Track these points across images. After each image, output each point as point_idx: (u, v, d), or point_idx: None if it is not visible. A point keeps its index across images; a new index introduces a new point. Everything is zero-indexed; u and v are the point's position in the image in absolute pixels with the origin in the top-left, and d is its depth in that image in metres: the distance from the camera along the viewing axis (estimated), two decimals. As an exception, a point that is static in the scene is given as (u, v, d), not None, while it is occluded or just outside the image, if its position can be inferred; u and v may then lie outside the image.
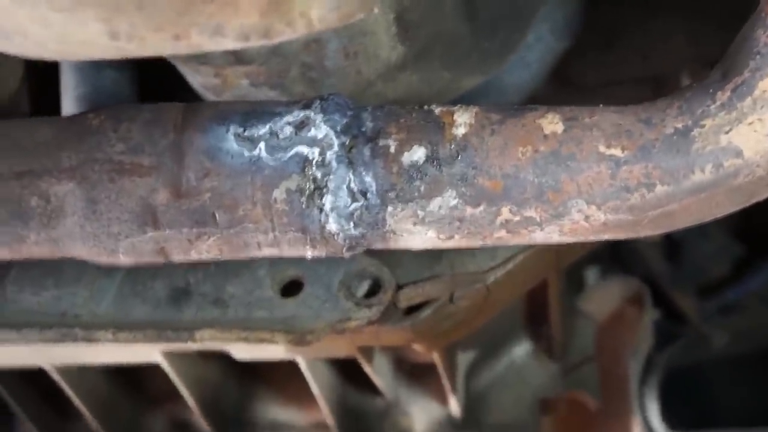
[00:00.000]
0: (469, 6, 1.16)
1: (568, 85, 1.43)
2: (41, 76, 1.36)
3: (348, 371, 1.56)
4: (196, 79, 1.18)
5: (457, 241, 1.02)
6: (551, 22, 1.45)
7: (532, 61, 1.41)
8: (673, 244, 1.88)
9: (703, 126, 0.95)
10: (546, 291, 1.47)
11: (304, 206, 0.97)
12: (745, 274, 1.91)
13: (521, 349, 1.59)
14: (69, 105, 1.33)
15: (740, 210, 2.03)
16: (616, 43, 1.41)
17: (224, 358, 1.51)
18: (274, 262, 1.27)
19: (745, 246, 1.94)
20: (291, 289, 1.27)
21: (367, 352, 1.42)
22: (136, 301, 1.29)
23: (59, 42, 0.89)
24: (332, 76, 1.14)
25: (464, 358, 1.53)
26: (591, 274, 1.70)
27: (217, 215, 0.99)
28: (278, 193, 0.97)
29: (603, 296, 1.65)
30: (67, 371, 1.54)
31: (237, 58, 1.10)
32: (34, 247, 1.03)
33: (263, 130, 0.99)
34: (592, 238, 1.01)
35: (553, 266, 1.39)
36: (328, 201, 0.97)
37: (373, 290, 1.25)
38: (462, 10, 1.16)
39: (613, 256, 1.80)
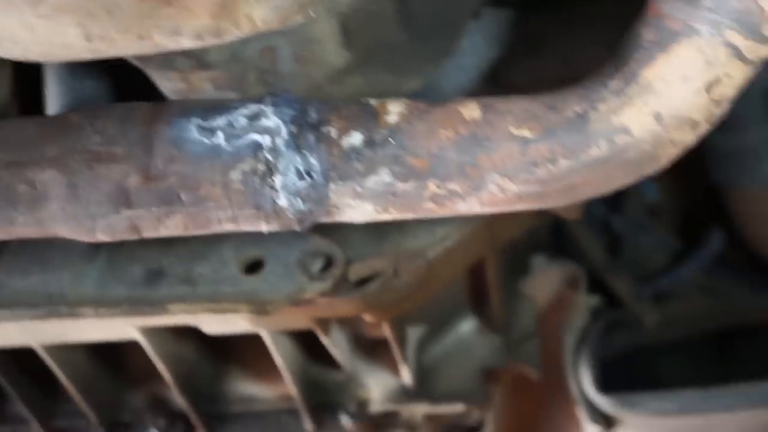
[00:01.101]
0: (405, 15, 1.19)
1: (499, 86, 1.45)
2: (28, 88, 1.38)
3: (310, 347, 1.58)
4: (166, 84, 1.20)
5: (392, 214, 1.07)
6: (485, 31, 1.45)
7: (467, 66, 1.43)
8: (614, 237, 1.93)
9: (597, 109, 1.01)
10: (485, 271, 1.50)
11: (257, 186, 1.02)
12: (682, 260, 1.96)
13: (467, 325, 1.62)
14: (53, 111, 1.36)
15: (679, 207, 2.10)
16: (541, 50, 1.45)
17: (197, 336, 1.52)
18: (238, 246, 1.31)
19: (682, 240, 1.99)
20: (253, 267, 1.30)
21: (324, 324, 1.44)
22: (114, 282, 1.31)
23: (42, 45, 0.93)
24: (285, 79, 1.17)
25: (414, 333, 1.56)
26: (536, 261, 1.74)
27: (182, 195, 1.03)
28: (235, 175, 1.01)
29: (544, 280, 1.70)
30: (54, 350, 1.55)
31: (200, 63, 1.13)
32: (22, 228, 1.07)
33: (221, 121, 1.03)
34: (508, 208, 1.07)
35: (488, 245, 1.42)
36: (278, 180, 1.02)
37: (326, 266, 1.27)
38: (399, 19, 1.19)
39: (557, 247, 1.85)
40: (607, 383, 1.90)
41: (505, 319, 1.66)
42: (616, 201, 1.95)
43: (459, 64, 1.41)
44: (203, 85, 1.17)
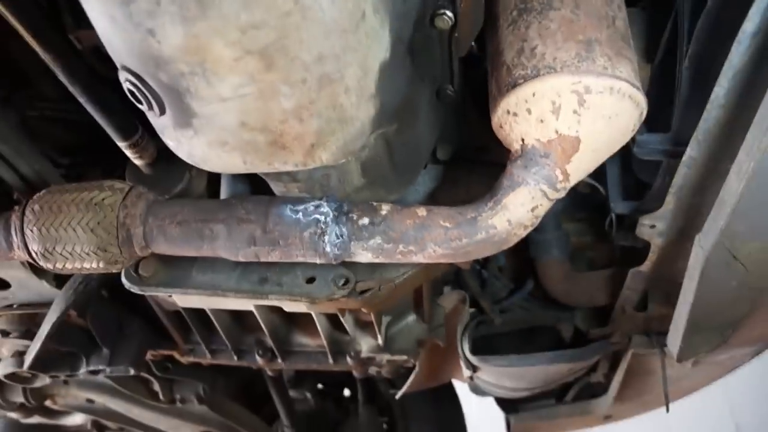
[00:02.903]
0: (393, 162, 1.15)
1: (435, 202, 1.37)
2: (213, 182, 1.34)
3: (335, 322, 1.53)
4: (276, 187, 1.16)
5: (380, 259, 1.03)
6: (429, 174, 1.39)
7: (420, 190, 1.37)
8: (483, 280, 1.87)
9: (481, 216, 0.97)
10: (422, 291, 1.47)
11: (316, 240, 0.99)
12: (514, 293, 1.90)
13: (411, 317, 1.57)
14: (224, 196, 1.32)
15: (514, 266, 1.98)
16: (455, 185, 1.39)
17: (282, 312, 1.46)
18: (304, 269, 1.25)
19: (514, 282, 1.93)
20: (310, 281, 1.25)
21: (342, 311, 1.41)
22: (244, 282, 1.26)
23: (223, 165, 0.93)
24: (333, 189, 1.13)
25: (385, 319, 1.51)
26: (446, 288, 1.71)
27: (280, 242, 1.00)
28: (306, 234, 0.99)
29: (449, 298, 1.64)
30: (214, 311, 1.50)
31: (293, 178, 1.10)
32: (205, 251, 1.04)
33: (301, 207, 1.00)
34: (436, 261, 1.02)
35: (424, 278, 1.38)
36: (326, 239, 0.99)
37: (345, 283, 1.23)
38: (390, 164, 1.14)
39: (456, 281, 1.79)
40: (476, 349, 1.84)
41: (429, 316, 1.60)
42: (485, 261, 1.86)
43: (413, 190, 1.36)
44: (294, 190, 1.14)
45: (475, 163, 1.37)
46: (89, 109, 1.07)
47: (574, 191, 1.78)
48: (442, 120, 1.26)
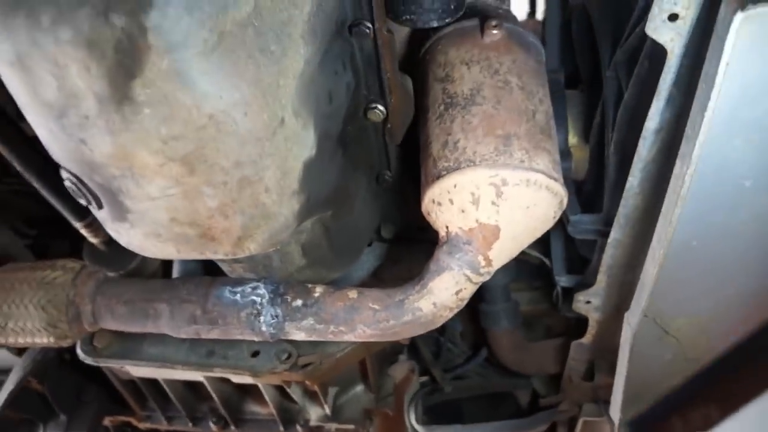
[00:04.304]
0: (332, 245, 1.16)
1: (378, 279, 1.42)
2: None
3: (282, 392, 1.53)
4: (224, 266, 1.19)
5: (314, 338, 1.04)
6: (372, 252, 1.42)
7: (363, 268, 1.39)
8: (438, 347, 1.90)
9: (408, 299, 0.99)
10: (366, 363, 1.48)
11: (253, 321, 1.01)
12: (470, 360, 1.91)
13: (359, 387, 1.58)
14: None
15: (472, 324, 1.95)
16: (397, 264, 1.43)
17: (230, 382, 1.47)
18: (248, 344, 1.29)
19: (470, 350, 1.93)
20: (255, 354, 1.28)
21: (287, 382, 1.40)
22: (192, 355, 1.30)
23: (163, 253, 0.95)
24: (275, 270, 1.15)
25: (332, 390, 1.52)
26: (401, 357, 1.71)
27: (219, 321, 1.02)
28: (243, 315, 1.01)
29: (399, 368, 1.66)
30: (167, 381, 1.53)
31: (235, 259, 1.11)
32: (149, 329, 1.06)
33: (239, 289, 1.01)
34: (366, 340, 1.03)
35: (366, 352, 1.40)
36: (262, 319, 1.01)
37: (288, 357, 1.26)
38: (330, 247, 1.16)
39: (411, 348, 1.80)
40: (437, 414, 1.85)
41: (377, 386, 1.61)
42: (442, 327, 1.81)
43: (358, 266, 1.37)
44: (238, 269, 1.16)
45: (417, 242, 1.40)
46: (44, 193, 1.14)
47: (528, 262, 1.83)
48: (382, 202, 1.30)
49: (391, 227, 1.38)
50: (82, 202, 0.90)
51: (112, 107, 0.70)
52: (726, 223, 0.96)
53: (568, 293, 1.54)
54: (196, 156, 0.76)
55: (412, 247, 1.41)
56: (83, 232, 1.24)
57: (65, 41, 0.65)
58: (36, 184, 1.11)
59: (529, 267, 1.79)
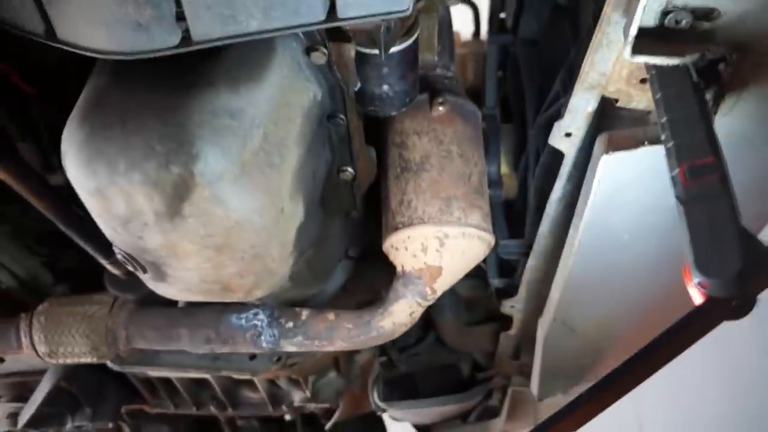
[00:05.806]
0: (312, 269, 1.22)
1: (347, 293, 1.51)
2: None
3: (272, 381, 1.72)
4: None
5: (302, 350, 1.15)
6: (342, 270, 1.47)
7: (334, 284, 1.47)
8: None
9: (375, 319, 1.10)
10: (339, 359, 1.69)
11: (255, 339, 1.13)
12: (421, 341, 2.00)
13: (332, 373, 1.80)
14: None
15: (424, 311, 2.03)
16: (365, 284, 1.49)
17: (229, 377, 1.62)
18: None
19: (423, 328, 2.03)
20: (253, 358, 1.45)
21: (277, 377, 1.61)
22: (202, 359, 1.45)
23: (192, 299, 1.05)
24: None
25: (311, 377, 1.71)
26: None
27: (230, 341, 1.14)
28: (248, 335, 1.13)
29: (364, 355, 1.82)
30: (179, 379, 1.70)
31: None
32: (173, 346, 1.17)
33: (243, 315, 1.13)
34: (342, 350, 1.19)
35: (338, 351, 1.59)
36: (263, 338, 1.13)
37: (279, 359, 1.43)
38: (310, 272, 1.22)
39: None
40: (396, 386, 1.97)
41: (347, 371, 1.81)
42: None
43: (331, 282, 1.45)
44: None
45: (378, 259, 1.42)
46: (74, 237, 1.18)
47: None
48: (350, 231, 1.38)
49: (357, 248, 1.50)
50: (130, 268, 1.03)
51: (166, 219, 0.84)
52: (612, 260, 1.16)
53: (500, 291, 1.73)
54: (224, 244, 0.90)
55: (374, 263, 1.41)
56: (109, 267, 1.33)
57: (137, 182, 0.80)
58: (65, 229, 1.19)
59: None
